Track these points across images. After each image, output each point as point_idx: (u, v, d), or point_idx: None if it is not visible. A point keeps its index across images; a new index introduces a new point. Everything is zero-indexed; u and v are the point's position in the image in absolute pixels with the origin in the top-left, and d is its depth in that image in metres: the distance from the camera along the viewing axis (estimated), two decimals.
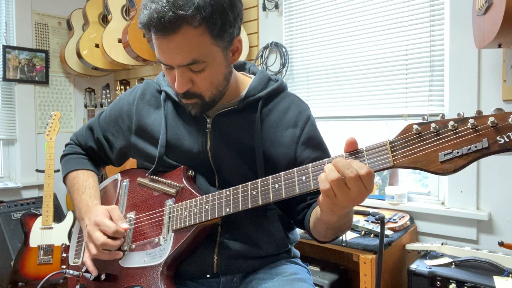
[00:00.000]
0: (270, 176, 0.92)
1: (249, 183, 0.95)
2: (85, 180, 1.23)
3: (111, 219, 1.08)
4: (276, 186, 0.90)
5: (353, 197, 0.78)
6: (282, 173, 0.90)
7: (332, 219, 0.90)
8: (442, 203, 2.10)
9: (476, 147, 0.68)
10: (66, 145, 1.37)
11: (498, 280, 1.59)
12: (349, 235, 1.90)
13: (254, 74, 1.22)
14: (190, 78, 0.99)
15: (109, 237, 1.05)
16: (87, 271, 1.14)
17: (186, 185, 1.07)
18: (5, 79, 3.27)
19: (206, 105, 1.06)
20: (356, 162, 0.78)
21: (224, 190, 0.99)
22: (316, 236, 1.07)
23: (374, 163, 0.78)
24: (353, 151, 0.82)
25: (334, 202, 0.80)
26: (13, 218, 2.96)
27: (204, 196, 1.02)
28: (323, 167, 0.82)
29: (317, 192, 0.85)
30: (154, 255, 1.04)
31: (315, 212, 1.00)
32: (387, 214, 2.06)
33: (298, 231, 1.27)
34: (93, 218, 1.08)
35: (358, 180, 0.76)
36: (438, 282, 1.68)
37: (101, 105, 3.33)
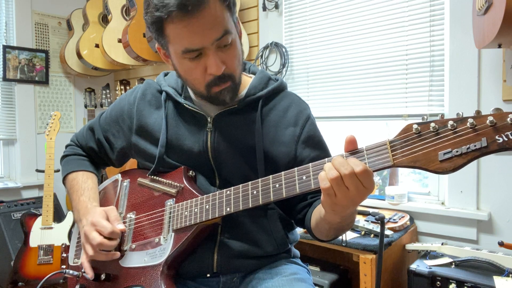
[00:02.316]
0: (270, 176, 0.92)
1: (249, 182, 0.95)
2: (84, 181, 1.23)
3: (108, 220, 1.08)
4: (277, 185, 0.90)
5: (352, 196, 0.78)
6: (282, 172, 0.90)
7: (335, 219, 0.90)
8: (442, 203, 2.10)
9: (475, 146, 0.68)
10: (67, 146, 1.37)
11: (498, 280, 1.59)
12: (349, 235, 1.90)
13: (254, 74, 1.22)
14: (221, 58, 0.99)
15: (105, 237, 1.05)
16: None
17: (187, 185, 1.07)
18: (5, 79, 3.27)
19: (236, 88, 1.06)
20: (353, 159, 0.78)
21: (224, 190, 0.99)
22: (317, 235, 1.07)
23: (374, 162, 0.78)
24: (353, 150, 0.82)
25: (334, 201, 0.80)
26: (13, 218, 2.97)
27: (205, 195, 1.02)
28: (323, 166, 0.82)
29: (317, 191, 0.85)
30: (155, 255, 1.04)
31: (318, 212, 1.00)
32: (387, 214, 2.07)
33: (298, 230, 1.27)
34: (90, 219, 1.08)
35: (353, 177, 0.76)
36: (438, 282, 1.68)
37: (101, 105, 3.33)
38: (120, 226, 1.07)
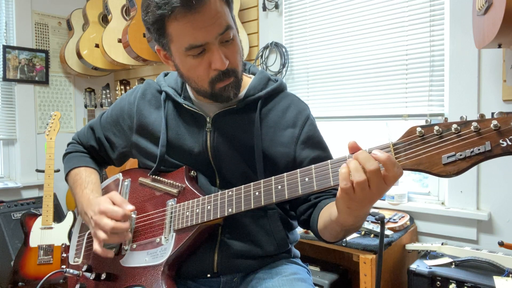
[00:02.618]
0: (273, 177, 0.92)
1: (251, 183, 0.95)
2: (88, 176, 1.24)
3: (114, 205, 1.07)
4: (279, 187, 0.90)
5: (372, 193, 0.75)
6: (285, 174, 0.90)
7: (348, 221, 0.87)
8: (442, 203, 2.11)
9: (479, 150, 0.68)
10: (69, 144, 1.38)
11: (498, 280, 1.59)
12: (350, 235, 1.90)
13: (253, 74, 1.22)
14: (224, 54, 0.99)
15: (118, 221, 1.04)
16: (87, 270, 1.14)
17: (188, 185, 1.08)
18: (5, 79, 3.27)
19: (239, 84, 1.07)
20: (379, 152, 0.75)
21: (226, 191, 0.99)
22: (324, 237, 1.05)
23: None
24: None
25: (352, 197, 0.77)
26: (13, 218, 2.96)
27: (207, 196, 1.03)
28: (327, 168, 0.82)
29: (320, 191, 0.84)
30: (156, 255, 1.05)
31: (328, 214, 0.98)
32: (387, 214, 2.07)
33: (298, 230, 1.27)
34: (97, 208, 1.06)
35: (378, 174, 0.73)
36: (438, 282, 1.68)
37: (101, 105, 3.32)
38: (129, 207, 1.06)
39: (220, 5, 0.96)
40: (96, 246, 1.08)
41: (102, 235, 1.04)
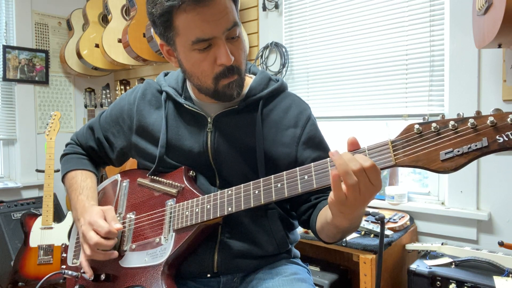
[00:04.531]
0: (272, 176, 0.92)
1: (251, 182, 0.95)
2: (83, 180, 1.23)
3: (105, 219, 1.08)
4: (279, 185, 0.90)
5: (362, 197, 0.77)
6: (284, 172, 0.90)
7: (343, 223, 0.89)
8: (442, 203, 2.10)
9: (476, 146, 0.69)
10: (67, 144, 1.37)
11: (498, 280, 1.59)
12: (349, 235, 1.90)
13: (254, 74, 1.21)
14: (230, 50, 0.99)
15: (102, 237, 1.04)
16: None
17: (187, 185, 1.07)
18: (5, 79, 3.27)
19: (242, 83, 1.07)
20: (359, 156, 0.77)
21: (226, 190, 0.99)
22: (322, 238, 1.06)
23: (376, 161, 0.78)
24: (354, 150, 0.82)
25: (344, 203, 0.79)
26: (13, 218, 2.97)
27: (206, 195, 1.02)
28: (326, 166, 0.82)
29: (320, 191, 0.84)
30: (155, 255, 1.04)
31: (324, 216, 0.99)
32: (387, 214, 2.07)
33: (298, 230, 1.27)
34: (87, 218, 1.07)
35: (362, 173, 0.75)
36: (438, 282, 1.68)
37: (101, 105, 3.33)
38: (117, 226, 1.06)
39: (229, 1, 0.97)
40: (82, 259, 1.09)
41: (87, 250, 1.06)
